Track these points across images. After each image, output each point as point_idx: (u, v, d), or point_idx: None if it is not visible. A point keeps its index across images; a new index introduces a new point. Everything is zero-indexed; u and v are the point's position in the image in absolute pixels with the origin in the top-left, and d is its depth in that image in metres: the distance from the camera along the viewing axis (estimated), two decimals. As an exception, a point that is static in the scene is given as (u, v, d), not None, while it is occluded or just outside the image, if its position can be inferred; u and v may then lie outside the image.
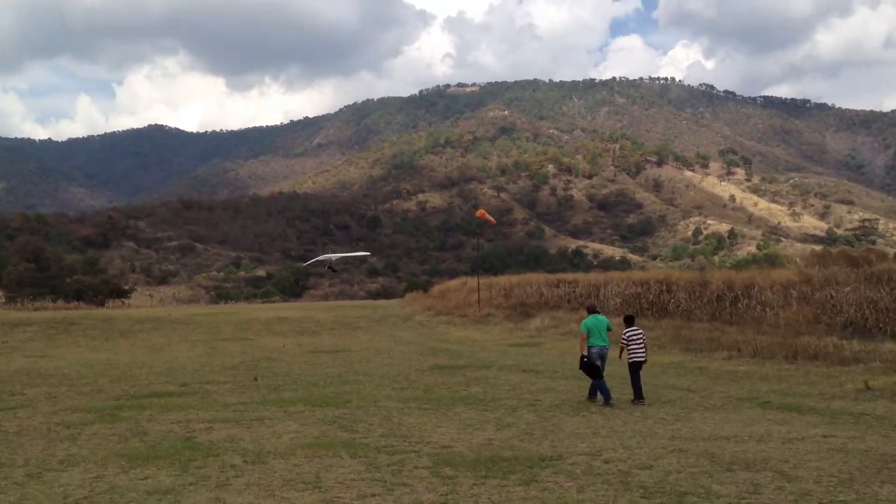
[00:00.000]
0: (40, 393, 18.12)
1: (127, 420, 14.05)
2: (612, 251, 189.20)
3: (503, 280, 49.28)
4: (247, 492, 8.88)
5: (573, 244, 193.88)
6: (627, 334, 16.32)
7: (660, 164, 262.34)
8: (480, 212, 48.90)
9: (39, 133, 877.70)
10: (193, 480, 9.45)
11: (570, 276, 48.86)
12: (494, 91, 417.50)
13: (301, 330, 37.46)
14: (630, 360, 16.08)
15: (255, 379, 20.15)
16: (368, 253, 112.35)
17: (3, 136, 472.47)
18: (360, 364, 23.71)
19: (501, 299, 44.25)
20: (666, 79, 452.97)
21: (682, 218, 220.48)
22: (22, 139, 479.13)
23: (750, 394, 16.75)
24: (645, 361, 16.18)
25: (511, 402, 15.69)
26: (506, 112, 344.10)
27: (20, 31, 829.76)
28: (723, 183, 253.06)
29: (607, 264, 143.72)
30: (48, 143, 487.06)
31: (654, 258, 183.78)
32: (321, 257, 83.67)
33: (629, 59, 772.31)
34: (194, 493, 8.88)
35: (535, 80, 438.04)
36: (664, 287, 36.48)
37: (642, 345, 16.18)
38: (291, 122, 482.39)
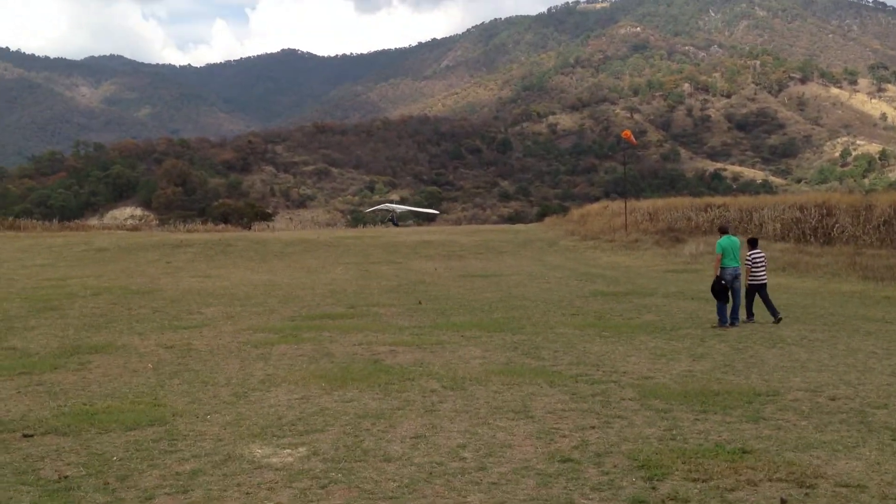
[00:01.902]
0: (217, 312, 18.63)
1: (310, 341, 14.26)
2: (753, 174, 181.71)
3: (647, 204, 48.00)
4: (458, 418, 8.75)
5: (711, 167, 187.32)
6: (752, 256, 16.70)
7: (804, 81, 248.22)
8: (626, 132, 47.45)
9: (179, 59, 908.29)
10: (399, 405, 9.41)
11: (718, 199, 47.31)
12: (626, 6, 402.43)
13: (447, 254, 37.49)
14: (751, 282, 16.52)
15: (419, 303, 20.22)
16: (437, 212, 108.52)
17: (147, 62, 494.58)
18: (518, 289, 23.46)
19: (647, 224, 43.15)
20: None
21: (828, 138, 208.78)
22: (163, 65, 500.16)
23: (956, 326, 15.64)
24: (765, 284, 16.71)
25: (694, 331, 15.14)
26: (638, 28, 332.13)
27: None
28: (873, 100, 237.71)
29: (748, 188, 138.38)
30: (188, 69, 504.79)
31: (799, 181, 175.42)
32: (384, 206, 79.36)
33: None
34: (405, 417, 8.83)
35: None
36: (825, 211, 34.92)
37: (764, 267, 16.76)
38: (419, 44, 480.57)
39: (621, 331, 15.15)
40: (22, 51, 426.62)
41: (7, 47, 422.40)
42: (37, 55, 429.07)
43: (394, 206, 76.99)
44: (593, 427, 8.32)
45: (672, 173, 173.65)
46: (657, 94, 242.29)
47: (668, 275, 27.94)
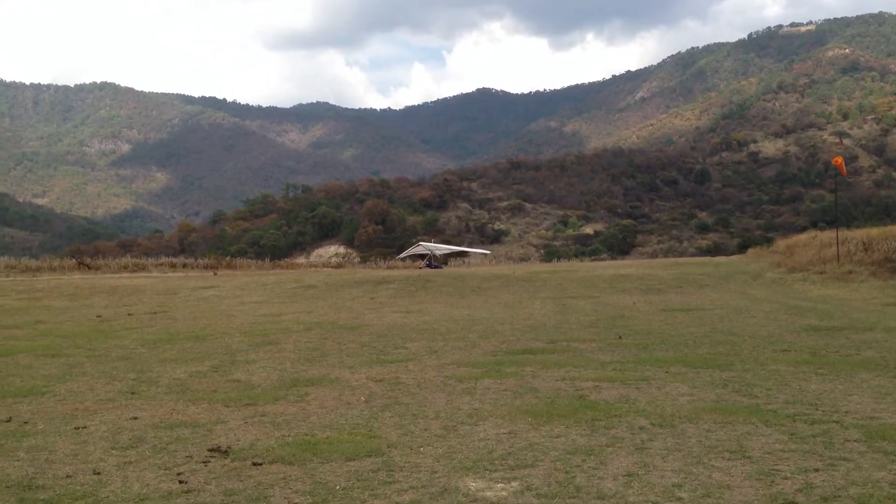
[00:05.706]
0: (420, 347, 19.12)
1: (513, 376, 14.36)
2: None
3: (860, 233, 45.17)
4: (670, 457, 8.57)
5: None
6: None
7: None
8: (837, 159, 44.86)
9: (380, 102, 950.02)
10: (608, 442, 9.32)
11: (944, 227, 43.93)
12: (833, 28, 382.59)
13: (646, 288, 36.71)
14: None
15: (620, 337, 19.94)
16: (489, 252, 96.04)
17: (350, 107, 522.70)
18: (722, 324, 22.64)
19: (862, 254, 40.53)
20: None
21: None
22: (365, 109, 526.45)
23: None
24: None
25: (923, 369, 14.09)
26: (847, 50, 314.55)
27: (362, 8, 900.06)
28: None
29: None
30: (388, 112, 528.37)
31: None
32: (418, 248, 69.53)
33: None
34: (615, 455, 8.73)
35: (880, 13, 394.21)
36: None
37: None
38: (613, 76, 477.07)
39: (839, 368, 14.31)
40: (238, 101, 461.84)
41: (224, 98, 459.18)
42: (251, 105, 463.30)
43: (430, 245, 69.47)
44: (817, 469, 7.92)
45: (887, 200, 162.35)
46: (869, 117, 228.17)
47: (887, 308, 26.14)
